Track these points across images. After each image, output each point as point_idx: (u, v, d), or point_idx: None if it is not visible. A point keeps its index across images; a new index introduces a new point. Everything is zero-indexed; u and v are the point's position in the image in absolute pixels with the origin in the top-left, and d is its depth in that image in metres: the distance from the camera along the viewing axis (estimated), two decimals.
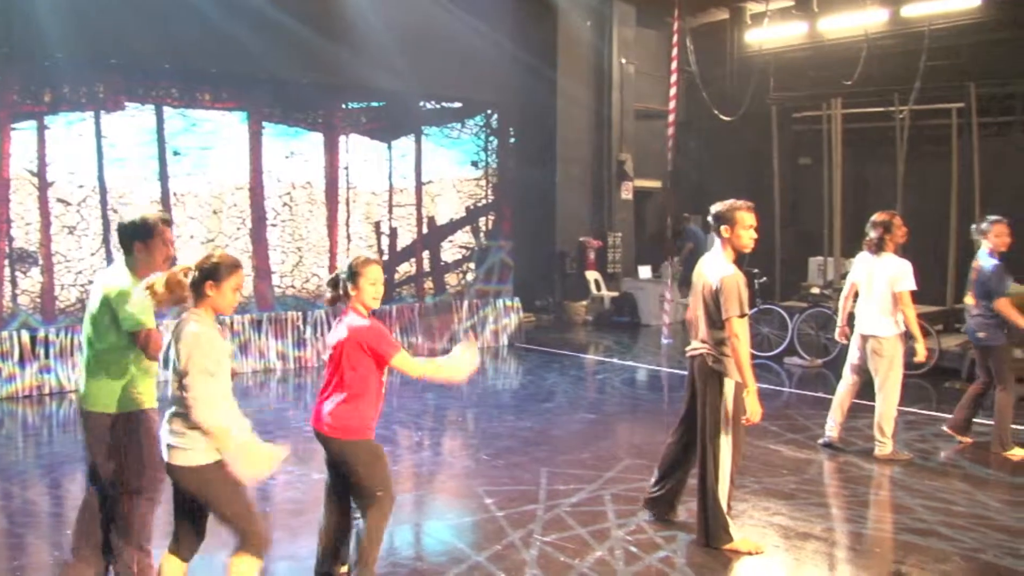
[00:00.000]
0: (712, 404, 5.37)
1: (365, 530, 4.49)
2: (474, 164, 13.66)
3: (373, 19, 11.88)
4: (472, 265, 13.66)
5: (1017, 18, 12.20)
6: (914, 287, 7.36)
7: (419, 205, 13.07)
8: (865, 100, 13.97)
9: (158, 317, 4.40)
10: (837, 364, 9.47)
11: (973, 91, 13.00)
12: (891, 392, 7.39)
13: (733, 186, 14.97)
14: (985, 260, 7.65)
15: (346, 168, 12.24)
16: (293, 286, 11.80)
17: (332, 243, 12.13)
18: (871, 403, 7.54)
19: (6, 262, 9.69)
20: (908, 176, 13.50)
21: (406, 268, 12.96)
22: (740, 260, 5.55)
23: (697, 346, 5.50)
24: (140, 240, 4.48)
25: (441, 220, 13.33)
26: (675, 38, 13.88)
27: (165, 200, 10.65)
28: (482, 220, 13.75)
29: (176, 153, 10.80)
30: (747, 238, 5.46)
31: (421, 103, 13.17)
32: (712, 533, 5.42)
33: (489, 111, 13.73)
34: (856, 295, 7.72)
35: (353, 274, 4.52)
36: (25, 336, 9.73)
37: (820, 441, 7.84)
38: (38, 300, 9.88)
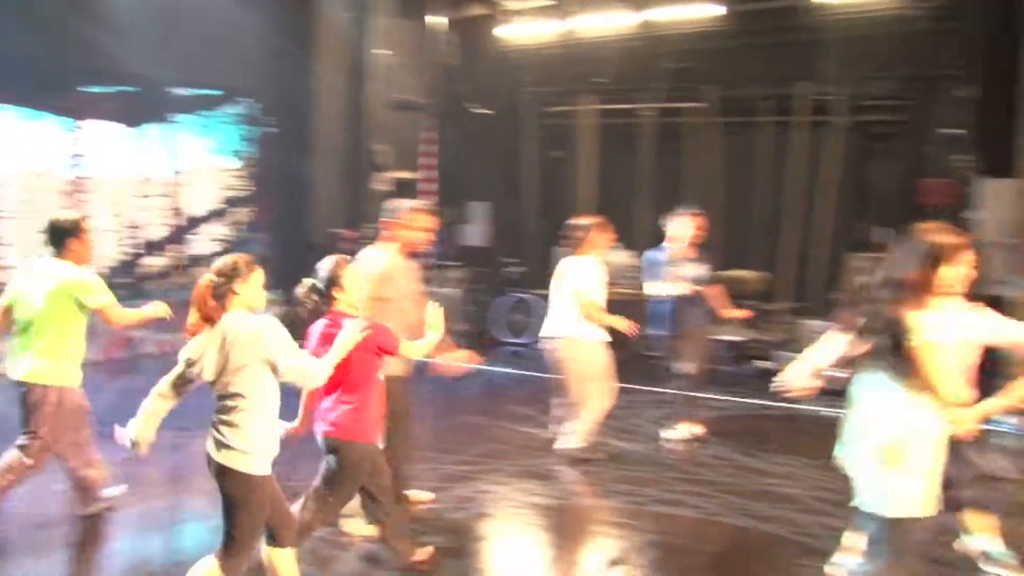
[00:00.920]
0: None
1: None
2: (232, 154, 13.25)
3: None
4: None
5: (753, 28, 13.22)
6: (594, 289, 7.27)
7: (173, 196, 12.53)
8: (615, 97, 14.67)
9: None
10: None
11: (713, 92, 13.98)
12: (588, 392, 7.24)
13: (490, 179, 15.44)
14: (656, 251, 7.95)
15: (84, 156, 11.50)
16: None
17: None
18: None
19: None
20: (654, 170, 14.37)
21: (158, 262, 12.38)
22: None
23: None
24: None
25: (196, 211, 12.84)
26: (434, 30, 14.01)
27: None
28: (240, 211, 13.37)
29: None
30: (417, 237, 5.79)
31: (174, 89, 12.59)
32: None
33: (248, 99, 13.35)
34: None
35: (334, 278, 4.57)
36: None
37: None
38: None
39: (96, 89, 11.70)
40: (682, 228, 7.89)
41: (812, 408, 7.27)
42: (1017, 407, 4.05)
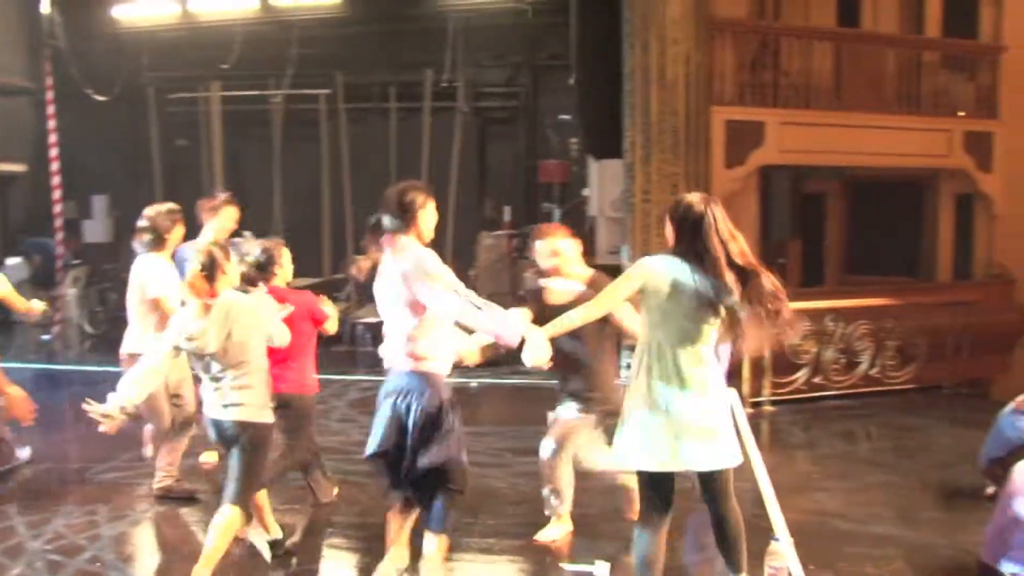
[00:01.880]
0: None
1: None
2: None
3: None
4: None
5: (374, 14, 13.41)
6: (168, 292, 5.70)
7: None
8: (242, 83, 14.33)
9: None
10: None
11: (339, 79, 14.08)
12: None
13: (112, 167, 14.46)
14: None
15: None
16: None
17: None
18: None
19: None
20: (284, 156, 14.27)
21: None
22: None
23: None
24: None
25: None
26: (37, 8, 12.95)
27: None
28: None
29: None
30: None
31: None
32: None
33: None
34: None
35: (272, 257, 5.28)
36: None
37: None
38: None
39: None
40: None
41: None
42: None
